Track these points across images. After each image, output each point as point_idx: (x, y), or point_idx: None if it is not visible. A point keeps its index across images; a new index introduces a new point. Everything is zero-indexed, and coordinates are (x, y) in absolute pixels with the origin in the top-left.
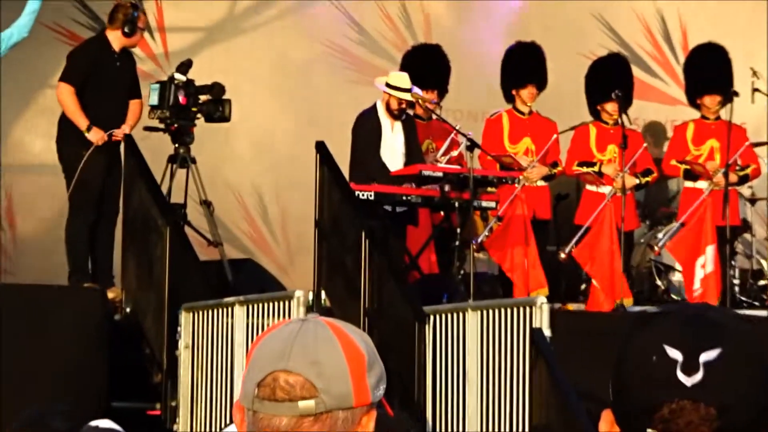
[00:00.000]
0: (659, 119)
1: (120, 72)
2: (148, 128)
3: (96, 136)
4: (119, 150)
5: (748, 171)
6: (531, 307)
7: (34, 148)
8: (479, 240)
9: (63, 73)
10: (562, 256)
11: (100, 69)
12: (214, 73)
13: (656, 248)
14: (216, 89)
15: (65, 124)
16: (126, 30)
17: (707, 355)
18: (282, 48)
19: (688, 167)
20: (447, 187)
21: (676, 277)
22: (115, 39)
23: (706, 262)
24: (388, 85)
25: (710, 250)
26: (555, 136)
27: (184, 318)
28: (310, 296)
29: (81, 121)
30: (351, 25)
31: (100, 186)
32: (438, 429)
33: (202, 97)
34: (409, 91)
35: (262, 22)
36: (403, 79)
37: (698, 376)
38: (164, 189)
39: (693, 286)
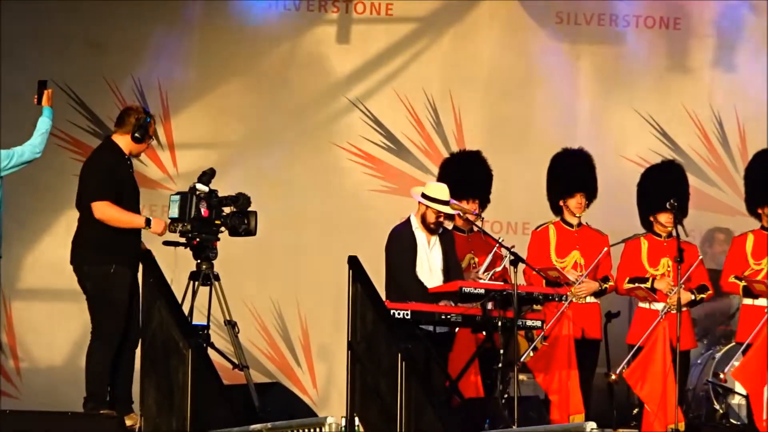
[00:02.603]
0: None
1: (133, 177)
2: (168, 243)
3: (159, 225)
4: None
5: None
6: None
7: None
8: (522, 359)
9: (92, 193)
10: (613, 377)
11: (120, 177)
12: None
13: (722, 375)
14: (241, 200)
15: (85, 243)
16: (137, 135)
17: None
18: (306, 155)
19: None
20: (489, 305)
21: (736, 401)
22: (125, 144)
23: None
24: (424, 196)
25: None
26: (605, 249)
27: None
28: (343, 423)
29: (138, 220)
30: (378, 129)
31: (128, 306)
32: None
33: (226, 209)
34: (447, 203)
35: (290, 138)
36: (441, 191)
37: None
38: (186, 308)
39: (762, 415)
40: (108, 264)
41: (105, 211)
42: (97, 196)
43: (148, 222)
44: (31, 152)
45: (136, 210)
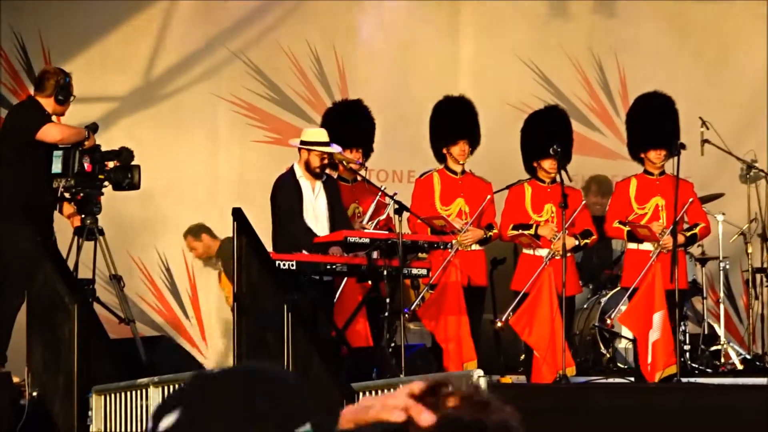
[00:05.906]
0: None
1: None
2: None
3: (92, 139)
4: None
5: (696, 231)
6: (467, 381)
7: None
8: (411, 308)
9: (34, 125)
10: (499, 324)
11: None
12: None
13: (608, 320)
14: (124, 155)
15: None
16: (60, 97)
17: (167, 420)
18: (189, 107)
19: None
20: (375, 254)
21: (622, 345)
22: (48, 105)
23: (653, 329)
24: (303, 143)
25: (657, 317)
26: (489, 196)
27: (95, 401)
28: None
29: (82, 132)
30: (261, 79)
31: (27, 264)
32: None
33: (109, 164)
34: (328, 144)
35: (174, 90)
36: (319, 134)
37: None
38: (70, 264)
39: (647, 359)
40: (15, 220)
41: (54, 131)
42: (39, 124)
43: (88, 133)
44: None
45: (47, 172)
